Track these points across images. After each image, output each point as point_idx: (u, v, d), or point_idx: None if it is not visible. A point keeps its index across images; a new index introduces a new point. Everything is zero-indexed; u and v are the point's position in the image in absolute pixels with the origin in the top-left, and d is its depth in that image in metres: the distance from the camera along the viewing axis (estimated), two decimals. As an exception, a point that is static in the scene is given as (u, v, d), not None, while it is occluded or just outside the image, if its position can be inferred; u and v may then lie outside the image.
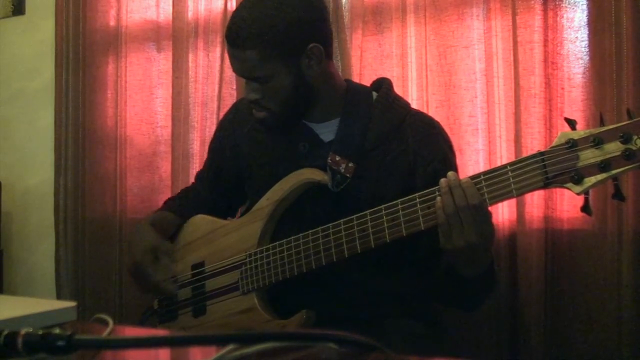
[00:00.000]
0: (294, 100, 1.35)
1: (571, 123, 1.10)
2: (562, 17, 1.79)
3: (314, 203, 1.37)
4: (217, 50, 2.28)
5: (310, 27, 1.32)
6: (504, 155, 1.84)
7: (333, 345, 0.62)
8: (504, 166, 1.14)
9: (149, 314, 1.59)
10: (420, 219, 1.19)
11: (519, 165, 1.12)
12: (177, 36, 2.34)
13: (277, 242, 1.35)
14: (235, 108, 1.59)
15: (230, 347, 0.62)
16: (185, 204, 1.63)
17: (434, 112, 1.87)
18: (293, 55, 1.32)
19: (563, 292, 1.76)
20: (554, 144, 1.10)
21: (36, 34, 2.75)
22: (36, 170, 2.73)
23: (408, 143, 1.38)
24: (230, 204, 1.63)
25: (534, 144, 1.77)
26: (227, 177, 1.57)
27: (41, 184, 2.69)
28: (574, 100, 1.77)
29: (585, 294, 1.74)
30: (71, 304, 0.86)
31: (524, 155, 1.75)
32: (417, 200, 1.20)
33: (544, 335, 1.74)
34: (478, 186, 1.15)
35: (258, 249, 1.37)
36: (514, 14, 1.80)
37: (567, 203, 1.75)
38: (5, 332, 0.60)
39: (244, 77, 1.36)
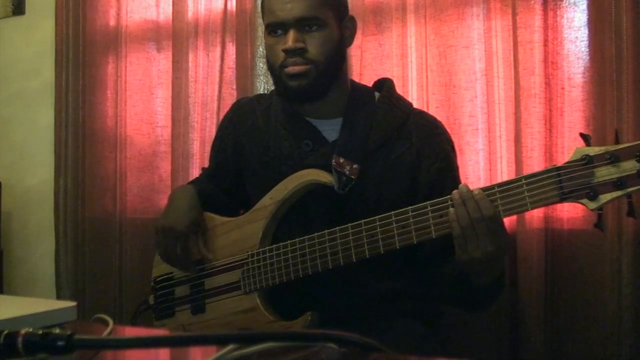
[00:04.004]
0: (334, 60, 1.38)
1: (586, 139, 1.11)
2: (562, 17, 1.79)
3: (318, 204, 1.37)
4: (217, 50, 2.28)
5: (347, 3, 1.47)
6: (504, 156, 1.84)
7: (333, 345, 0.62)
8: (519, 179, 1.14)
9: (144, 308, 1.58)
10: (432, 227, 1.19)
11: (535, 179, 1.13)
12: (177, 36, 2.34)
13: (281, 244, 1.34)
14: (234, 107, 1.59)
15: (230, 347, 0.62)
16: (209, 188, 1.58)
17: (434, 112, 1.87)
18: (340, 16, 1.41)
19: (563, 292, 1.76)
20: (569, 159, 1.11)
21: (36, 34, 2.75)
22: (36, 170, 2.73)
23: (412, 142, 1.39)
24: (231, 202, 1.62)
25: (534, 144, 1.77)
26: (227, 175, 1.56)
27: (41, 184, 2.69)
28: (574, 100, 1.77)
29: (585, 293, 1.74)
30: (71, 304, 0.86)
31: (524, 155, 1.76)
32: (429, 208, 1.20)
33: (544, 335, 1.74)
34: (492, 198, 1.15)
35: (261, 249, 1.37)
36: (514, 14, 1.80)
37: (567, 203, 1.75)
38: (5, 332, 0.60)
39: (299, 19, 1.34)
